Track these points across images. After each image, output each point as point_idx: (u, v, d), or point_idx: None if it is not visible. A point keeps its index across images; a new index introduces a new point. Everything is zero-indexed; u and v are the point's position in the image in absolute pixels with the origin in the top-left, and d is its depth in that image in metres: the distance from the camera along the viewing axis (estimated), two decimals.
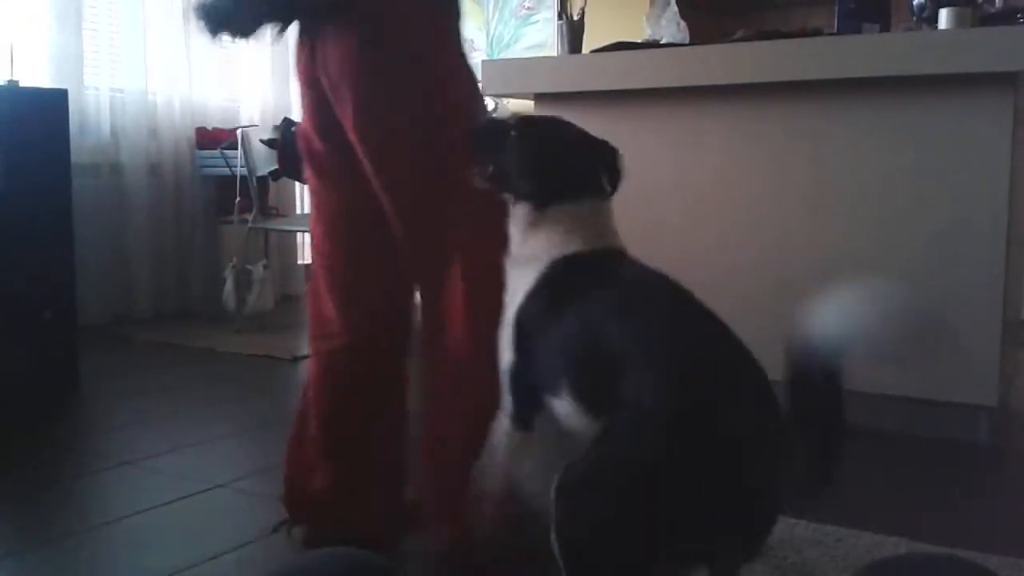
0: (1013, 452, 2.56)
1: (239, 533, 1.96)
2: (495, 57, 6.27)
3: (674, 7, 3.34)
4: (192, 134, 4.72)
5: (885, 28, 3.04)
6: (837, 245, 2.70)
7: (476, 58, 6.29)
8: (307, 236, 5.00)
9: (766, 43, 2.78)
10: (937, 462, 2.46)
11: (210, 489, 2.23)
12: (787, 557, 1.78)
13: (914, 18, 3.15)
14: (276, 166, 4.10)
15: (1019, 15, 2.68)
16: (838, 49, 2.62)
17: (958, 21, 2.69)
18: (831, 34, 2.93)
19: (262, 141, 4.13)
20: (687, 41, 3.25)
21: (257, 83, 5.21)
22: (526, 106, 5.48)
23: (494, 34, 6.46)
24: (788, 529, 1.89)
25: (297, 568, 1.18)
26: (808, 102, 2.69)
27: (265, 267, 4.35)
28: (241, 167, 4.24)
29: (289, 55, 5.56)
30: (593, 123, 3.07)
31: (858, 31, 2.91)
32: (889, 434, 2.64)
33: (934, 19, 2.82)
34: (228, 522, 2.06)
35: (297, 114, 5.43)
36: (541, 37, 6.15)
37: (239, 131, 4.27)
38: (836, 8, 3.21)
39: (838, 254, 2.69)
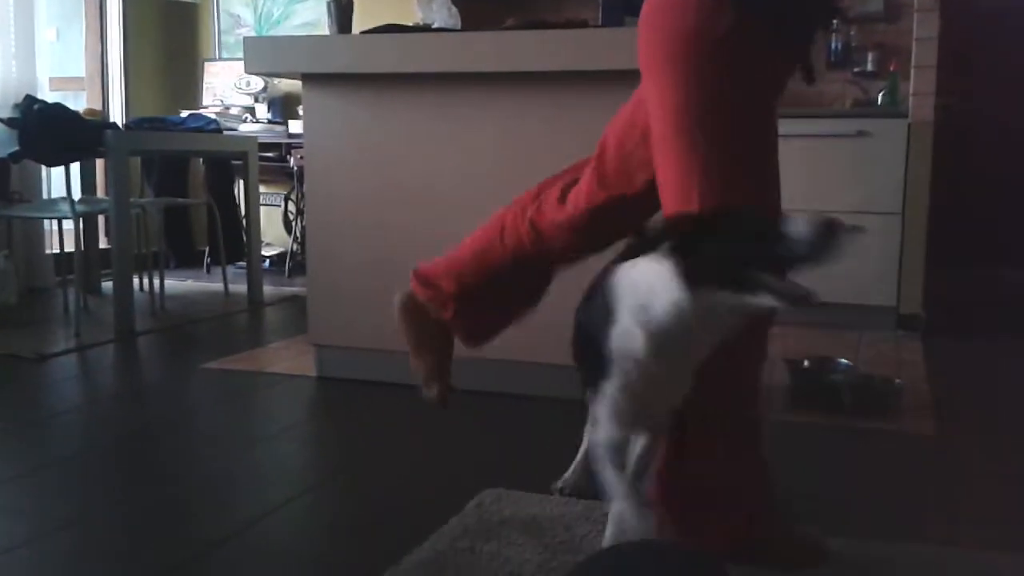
0: None
1: None
2: (263, 34, 6.05)
3: None
4: None
5: None
6: None
7: (242, 34, 6.07)
8: (54, 224, 4.69)
9: (533, 32, 2.83)
10: None
11: None
12: (556, 535, 1.83)
13: None
14: (17, 147, 3.75)
15: None
16: (601, 41, 2.71)
17: None
18: (596, 26, 3.03)
19: (1, 120, 3.77)
20: (459, 27, 3.26)
21: None
22: (294, 86, 5.33)
23: (263, 10, 6.24)
24: (560, 507, 1.95)
25: None
26: (575, 92, 2.77)
27: (7, 257, 4.09)
28: None
29: (38, 26, 5.08)
30: (360, 106, 3.02)
31: (621, 24, 3.02)
32: None
33: None
34: None
35: (42, 91, 4.98)
36: (314, 16, 6.00)
37: None
38: (600, 1, 3.33)
39: None
